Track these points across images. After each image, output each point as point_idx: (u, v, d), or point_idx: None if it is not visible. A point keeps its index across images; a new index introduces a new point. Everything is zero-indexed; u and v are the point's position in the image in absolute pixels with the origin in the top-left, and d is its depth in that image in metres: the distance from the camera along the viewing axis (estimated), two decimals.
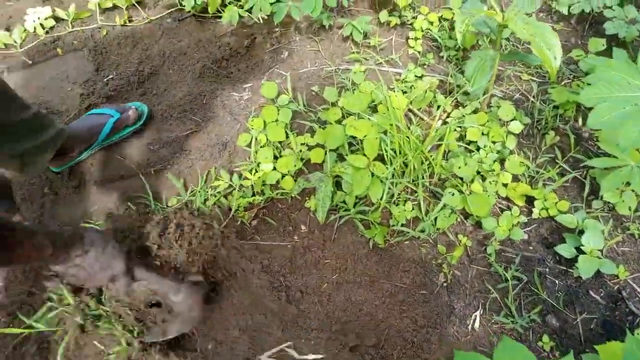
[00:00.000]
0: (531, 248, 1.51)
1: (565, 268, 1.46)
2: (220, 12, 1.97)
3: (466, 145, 1.61)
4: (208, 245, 1.39)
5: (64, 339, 1.34)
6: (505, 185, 1.53)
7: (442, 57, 1.89)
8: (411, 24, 1.96)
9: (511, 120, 1.63)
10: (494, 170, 1.54)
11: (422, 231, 1.50)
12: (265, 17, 1.96)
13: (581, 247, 1.40)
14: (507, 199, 1.56)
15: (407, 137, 1.49)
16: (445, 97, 1.74)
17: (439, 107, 1.71)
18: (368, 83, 1.75)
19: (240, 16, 1.84)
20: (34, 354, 1.39)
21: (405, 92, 1.75)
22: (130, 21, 2.08)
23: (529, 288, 1.44)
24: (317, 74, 1.90)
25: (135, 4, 2.08)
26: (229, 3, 1.88)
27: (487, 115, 1.63)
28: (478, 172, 1.55)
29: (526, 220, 1.52)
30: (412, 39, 1.92)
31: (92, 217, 1.61)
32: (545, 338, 1.35)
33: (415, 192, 1.56)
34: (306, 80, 1.89)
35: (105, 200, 1.64)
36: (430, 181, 1.57)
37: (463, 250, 1.48)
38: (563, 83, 1.79)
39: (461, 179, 1.55)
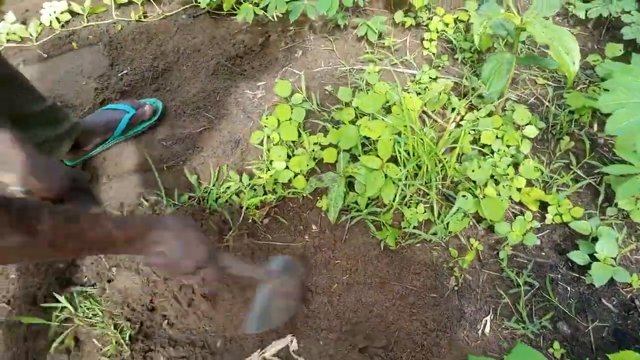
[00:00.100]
0: (543, 254, 1.50)
1: (577, 275, 1.45)
2: (235, 10, 1.97)
3: (480, 149, 1.60)
4: None
5: (63, 334, 1.37)
6: (518, 189, 1.52)
7: (457, 59, 1.88)
8: (426, 25, 1.95)
9: (526, 125, 1.62)
10: (507, 175, 1.53)
11: (434, 234, 1.49)
12: (280, 16, 1.96)
13: (594, 255, 1.39)
14: (520, 203, 1.55)
15: (421, 139, 1.49)
16: (460, 100, 1.73)
17: (453, 109, 1.70)
18: (382, 84, 1.74)
19: (255, 14, 1.84)
20: (42, 347, 1.39)
21: (420, 94, 1.74)
22: (145, 17, 2.08)
23: (540, 294, 1.43)
24: (331, 74, 1.90)
25: (151, 0, 2.08)
26: (244, 0, 1.88)
27: (501, 118, 1.62)
28: (491, 176, 1.54)
29: (539, 226, 1.51)
30: (427, 40, 1.91)
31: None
32: (556, 345, 1.34)
33: (428, 194, 1.55)
34: (320, 79, 1.88)
35: (118, 195, 1.65)
36: (442, 184, 1.56)
37: (475, 254, 1.48)
38: (579, 88, 1.78)
39: (474, 182, 1.54)
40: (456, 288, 1.45)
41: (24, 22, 2.08)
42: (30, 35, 2.02)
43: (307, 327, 1.41)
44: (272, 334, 1.39)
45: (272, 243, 1.53)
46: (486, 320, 1.40)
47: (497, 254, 1.48)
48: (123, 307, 1.37)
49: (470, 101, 1.72)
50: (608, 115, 1.28)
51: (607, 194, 1.54)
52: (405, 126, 1.49)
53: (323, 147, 1.65)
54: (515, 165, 1.57)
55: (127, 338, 1.34)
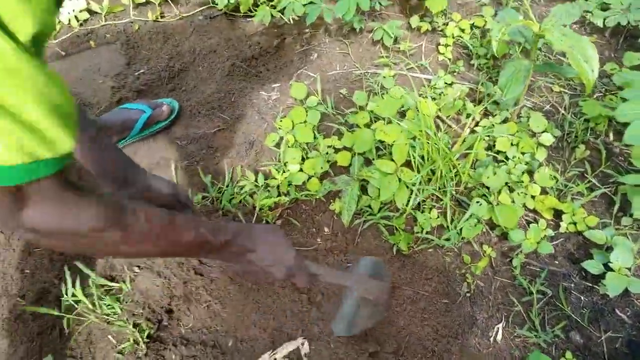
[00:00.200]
0: (557, 262, 1.49)
1: (591, 284, 1.44)
2: (252, 12, 1.98)
3: (495, 155, 1.60)
4: None
5: (77, 330, 1.38)
6: (533, 197, 1.52)
7: (473, 65, 1.87)
8: (442, 31, 1.96)
9: (542, 132, 1.61)
10: (522, 182, 1.52)
11: (447, 240, 1.49)
12: (296, 18, 1.97)
13: (609, 264, 1.38)
14: (534, 211, 1.54)
15: (436, 144, 1.49)
16: (475, 106, 1.72)
17: (468, 115, 1.70)
18: (398, 88, 1.74)
19: (272, 16, 1.85)
20: (55, 341, 1.41)
21: (435, 99, 1.74)
22: (162, 17, 2.10)
23: (553, 303, 1.42)
24: (346, 77, 1.90)
25: (168, 0, 2.10)
26: (262, 3, 1.89)
27: (517, 125, 1.62)
28: (506, 183, 1.53)
29: (553, 234, 1.50)
30: (442, 45, 1.91)
31: None
32: (569, 354, 1.33)
33: (441, 199, 1.55)
34: (334, 82, 1.89)
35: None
36: (456, 189, 1.56)
37: (487, 261, 1.47)
38: (595, 96, 1.77)
39: (488, 188, 1.53)
40: (468, 294, 1.45)
41: None
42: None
43: (318, 330, 1.41)
44: (283, 335, 1.40)
45: None
46: (498, 328, 1.39)
47: (510, 261, 1.48)
48: (144, 308, 1.38)
49: (486, 107, 1.71)
50: (625, 124, 1.27)
51: (622, 204, 1.53)
52: (421, 131, 1.49)
53: (337, 150, 1.65)
54: (530, 173, 1.57)
55: (145, 337, 1.35)
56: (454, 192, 1.55)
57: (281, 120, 1.72)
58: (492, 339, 1.38)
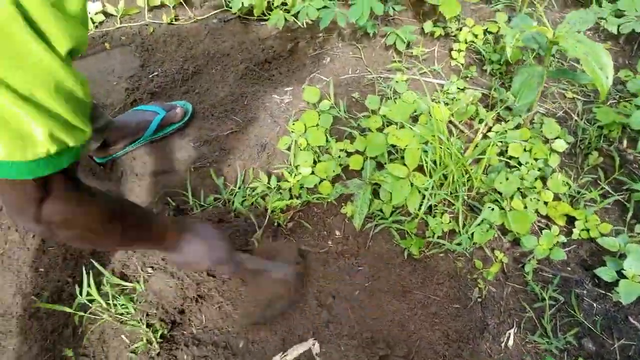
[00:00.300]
0: (569, 269, 1.48)
1: (604, 292, 1.43)
2: (265, 16, 1.99)
3: (507, 160, 1.60)
4: None
5: (91, 329, 1.40)
6: (545, 203, 1.52)
7: (485, 70, 1.87)
8: (455, 36, 1.96)
9: (555, 138, 1.61)
10: (535, 188, 1.52)
11: (459, 244, 1.49)
12: (310, 22, 1.98)
13: (622, 272, 1.37)
14: (546, 217, 1.54)
15: (448, 149, 1.49)
16: (487, 111, 1.72)
17: (481, 120, 1.70)
18: (410, 93, 1.74)
19: (286, 20, 1.86)
20: (69, 339, 1.42)
21: (447, 104, 1.75)
22: (176, 20, 2.12)
23: (565, 309, 1.42)
24: (358, 81, 1.91)
25: (183, 3, 2.12)
26: (275, 7, 1.90)
27: (529, 131, 1.62)
28: (518, 189, 1.53)
29: (565, 241, 1.49)
30: (455, 50, 1.91)
31: None
32: None
33: (453, 204, 1.55)
34: (346, 86, 1.90)
35: (145, 195, 1.67)
36: (468, 194, 1.56)
37: (499, 266, 1.47)
38: (609, 103, 1.76)
39: (500, 194, 1.53)
40: (479, 300, 1.44)
41: None
42: None
43: (329, 333, 1.41)
44: (294, 337, 1.40)
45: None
46: (510, 334, 1.39)
47: (522, 267, 1.47)
48: (157, 308, 1.39)
49: (498, 113, 1.71)
50: (639, 132, 1.27)
51: (635, 211, 1.53)
52: (433, 136, 1.49)
53: (349, 154, 1.66)
54: (543, 179, 1.57)
55: (158, 337, 1.36)
56: (465, 197, 1.55)
57: (294, 124, 1.73)
58: (503, 344, 1.38)
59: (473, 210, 1.56)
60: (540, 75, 1.47)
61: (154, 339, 1.34)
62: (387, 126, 1.68)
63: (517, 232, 1.45)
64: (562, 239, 1.48)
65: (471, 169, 1.54)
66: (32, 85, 0.62)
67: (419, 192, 1.51)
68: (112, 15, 2.14)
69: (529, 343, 1.38)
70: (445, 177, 1.53)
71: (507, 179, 1.49)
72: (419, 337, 1.40)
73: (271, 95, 1.89)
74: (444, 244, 1.50)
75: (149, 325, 1.37)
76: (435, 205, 1.54)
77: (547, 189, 1.53)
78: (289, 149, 1.70)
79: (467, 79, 1.86)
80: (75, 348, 1.40)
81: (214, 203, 1.62)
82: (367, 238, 1.54)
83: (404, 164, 1.53)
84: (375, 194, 1.57)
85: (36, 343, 1.41)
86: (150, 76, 1.95)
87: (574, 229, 1.50)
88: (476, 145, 1.62)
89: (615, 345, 1.35)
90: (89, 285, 1.40)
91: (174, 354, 1.36)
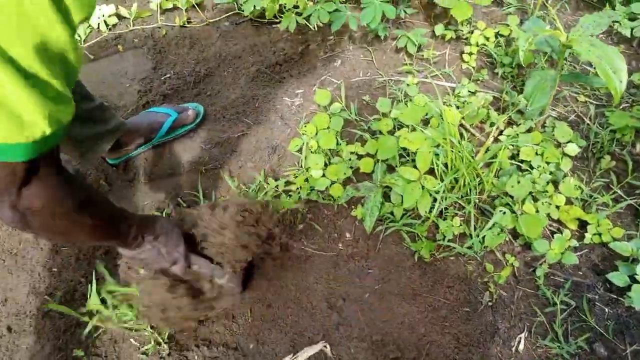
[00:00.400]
0: (581, 273, 1.48)
1: (616, 296, 1.42)
2: (277, 18, 2.00)
3: (518, 164, 1.59)
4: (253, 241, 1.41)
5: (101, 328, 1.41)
6: (557, 207, 1.51)
7: (497, 73, 1.87)
8: (466, 39, 1.95)
9: (567, 142, 1.60)
10: (547, 192, 1.51)
11: (469, 248, 1.49)
12: (321, 25, 1.99)
13: (635, 276, 1.36)
14: (558, 221, 1.53)
15: (460, 152, 1.49)
16: (499, 115, 1.72)
17: (492, 124, 1.70)
18: (421, 96, 1.74)
19: (297, 23, 1.87)
20: (81, 339, 1.43)
21: (459, 107, 1.74)
22: (189, 22, 2.14)
23: (577, 314, 1.41)
24: (369, 84, 1.91)
25: (195, 6, 2.13)
26: (287, 10, 1.91)
27: (541, 135, 1.61)
28: (530, 193, 1.53)
29: (577, 245, 1.49)
30: (466, 53, 1.91)
31: (143, 211, 1.66)
32: None
33: (463, 207, 1.55)
34: (357, 89, 1.90)
35: (157, 195, 1.69)
36: (479, 198, 1.56)
37: (510, 270, 1.46)
38: (622, 107, 1.75)
39: (511, 197, 1.53)
40: (490, 303, 1.44)
41: None
42: (79, 37, 2.09)
43: (339, 335, 1.41)
44: (304, 339, 1.41)
45: (306, 248, 1.54)
46: (520, 338, 1.38)
47: (533, 271, 1.47)
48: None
49: (510, 116, 1.71)
50: None
51: None
52: (445, 139, 1.49)
53: (360, 157, 1.66)
54: (554, 183, 1.56)
55: (165, 337, 1.37)
56: (477, 201, 1.55)
57: (305, 126, 1.73)
58: (514, 349, 1.37)
59: (484, 213, 1.56)
60: (553, 79, 1.47)
61: (160, 340, 1.35)
62: (398, 129, 1.69)
63: (529, 236, 1.44)
64: (574, 243, 1.48)
65: (482, 173, 1.54)
66: (27, 51, 0.60)
67: (430, 195, 1.51)
68: (125, 17, 2.16)
69: (540, 348, 1.37)
70: (457, 180, 1.53)
71: (518, 182, 1.49)
72: (429, 340, 1.40)
73: (282, 97, 1.89)
74: (454, 247, 1.49)
75: (153, 327, 1.38)
76: (446, 209, 1.54)
77: (559, 192, 1.53)
78: (299, 151, 1.71)
79: (479, 82, 1.86)
80: (87, 348, 1.41)
81: None
82: (377, 241, 1.54)
83: (415, 167, 1.53)
84: (386, 196, 1.57)
85: (49, 342, 1.42)
86: (163, 78, 1.97)
87: (585, 233, 1.49)
88: (487, 149, 1.62)
89: (628, 351, 1.34)
90: (90, 295, 1.40)
91: (185, 355, 1.37)
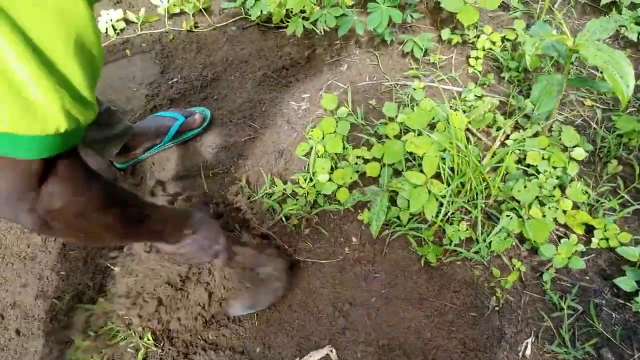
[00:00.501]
0: (587, 278, 1.47)
1: (623, 302, 1.42)
2: (284, 23, 2.01)
3: (525, 168, 1.59)
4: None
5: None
6: (564, 212, 1.51)
7: (503, 77, 1.87)
8: (473, 43, 1.96)
9: (574, 147, 1.60)
10: (553, 196, 1.51)
11: (476, 252, 1.49)
12: (327, 29, 1.99)
13: None
14: (565, 226, 1.53)
15: (466, 156, 1.49)
16: (505, 119, 1.72)
17: (498, 128, 1.70)
18: (428, 100, 1.75)
19: (304, 28, 1.88)
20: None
21: (465, 112, 1.74)
22: (196, 27, 2.15)
23: (584, 319, 1.41)
24: (375, 88, 1.92)
25: (202, 11, 2.15)
26: (294, 15, 1.91)
27: (548, 139, 1.61)
28: (536, 197, 1.52)
29: (584, 250, 1.48)
30: (473, 57, 1.91)
31: None
32: None
33: (470, 212, 1.55)
34: (364, 93, 1.90)
35: (164, 199, 1.69)
36: (485, 202, 1.56)
37: (517, 275, 1.46)
38: (628, 111, 1.75)
39: (518, 202, 1.53)
40: (497, 308, 1.44)
41: None
42: None
43: (345, 339, 1.42)
44: (310, 343, 1.41)
45: (312, 252, 1.55)
46: (527, 343, 1.38)
47: (540, 275, 1.47)
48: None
49: (516, 120, 1.71)
50: None
51: None
52: (451, 143, 1.49)
53: (366, 161, 1.66)
54: (561, 187, 1.56)
55: (170, 341, 1.38)
56: (483, 205, 1.55)
57: (311, 130, 1.74)
58: (520, 354, 1.37)
59: (490, 218, 1.56)
60: (560, 83, 1.47)
61: (154, 348, 1.36)
62: (405, 133, 1.69)
63: (536, 241, 1.44)
64: (581, 248, 1.47)
65: (489, 177, 1.54)
66: (51, 34, 0.55)
67: (436, 199, 1.51)
68: (132, 22, 2.17)
69: (547, 353, 1.37)
70: (463, 184, 1.53)
71: (525, 187, 1.49)
72: (436, 345, 1.40)
73: (288, 101, 1.90)
74: (461, 252, 1.49)
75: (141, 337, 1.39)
76: (453, 213, 1.54)
77: (566, 197, 1.52)
78: (306, 155, 1.71)
79: (485, 86, 1.86)
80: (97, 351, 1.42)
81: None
82: (383, 245, 1.55)
83: (422, 171, 1.53)
84: (392, 201, 1.57)
85: (57, 346, 1.43)
86: (170, 83, 1.98)
87: (592, 238, 1.49)
88: (494, 153, 1.62)
89: (635, 356, 1.34)
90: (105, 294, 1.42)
91: (191, 358, 1.38)
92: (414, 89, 1.82)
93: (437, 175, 1.55)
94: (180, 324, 1.32)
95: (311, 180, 1.64)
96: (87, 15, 0.59)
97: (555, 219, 1.50)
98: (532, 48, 1.32)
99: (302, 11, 1.86)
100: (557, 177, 1.55)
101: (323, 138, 1.72)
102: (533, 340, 1.39)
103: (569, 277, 1.47)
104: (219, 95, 1.95)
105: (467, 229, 1.51)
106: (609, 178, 1.61)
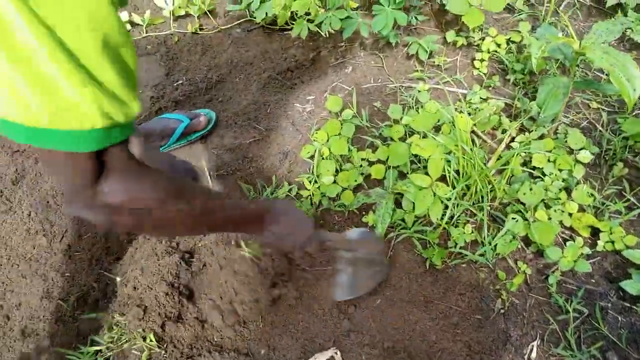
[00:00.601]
0: (593, 281, 1.47)
1: (629, 305, 1.41)
2: (289, 25, 2.02)
3: (530, 171, 1.59)
4: None
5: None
6: (570, 214, 1.50)
7: (509, 80, 1.87)
8: (478, 45, 1.96)
9: (580, 149, 1.60)
10: (559, 199, 1.51)
11: (482, 255, 1.49)
12: (332, 32, 1.99)
13: None
14: (570, 228, 1.53)
15: (472, 159, 1.49)
16: (511, 121, 1.72)
17: (504, 130, 1.69)
18: (433, 102, 1.75)
19: (309, 30, 1.88)
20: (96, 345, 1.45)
21: (470, 114, 1.74)
22: (201, 29, 2.15)
23: (589, 322, 1.40)
24: (380, 90, 1.92)
25: (207, 13, 2.15)
26: (299, 17, 1.92)
27: (553, 142, 1.61)
28: (542, 200, 1.52)
29: (590, 252, 1.48)
30: (478, 60, 1.91)
31: None
32: None
33: (475, 214, 1.54)
34: (368, 95, 1.91)
35: None
36: (491, 205, 1.56)
37: (523, 277, 1.46)
38: (634, 114, 1.74)
39: (523, 204, 1.52)
40: (502, 311, 1.43)
41: None
42: None
43: (350, 342, 1.41)
44: (315, 345, 1.41)
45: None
46: (533, 346, 1.37)
47: (546, 278, 1.46)
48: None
49: (522, 123, 1.70)
50: None
51: None
52: (457, 146, 1.49)
53: (371, 163, 1.66)
54: (567, 190, 1.55)
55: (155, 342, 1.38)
56: (488, 208, 1.55)
57: (316, 132, 1.74)
58: (526, 356, 1.37)
59: (496, 220, 1.56)
60: (566, 86, 1.46)
61: (158, 349, 1.36)
62: (410, 136, 1.69)
63: (541, 244, 1.44)
64: (587, 250, 1.47)
65: (494, 180, 1.54)
66: (80, 34, 0.56)
67: (442, 202, 1.51)
68: (138, 24, 2.18)
69: (553, 356, 1.36)
70: (468, 187, 1.53)
71: (530, 189, 1.48)
72: (441, 347, 1.39)
73: (293, 103, 1.90)
74: (466, 255, 1.49)
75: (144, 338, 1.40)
76: (458, 216, 1.54)
77: (572, 200, 1.52)
78: (311, 157, 1.71)
79: (490, 88, 1.86)
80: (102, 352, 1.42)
81: None
82: (389, 247, 1.54)
83: (427, 174, 1.53)
84: (397, 203, 1.57)
85: (62, 347, 1.43)
86: (175, 85, 1.99)
87: (598, 241, 1.48)
88: (499, 156, 1.61)
89: None
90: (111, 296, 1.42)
91: None
92: (419, 91, 1.82)
93: (442, 178, 1.55)
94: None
95: (316, 182, 1.64)
96: (112, 16, 0.60)
97: (561, 222, 1.50)
98: (538, 51, 1.32)
99: (307, 13, 1.86)
100: (563, 180, 1.55)
101: (328, 140, 1.72)
102: (538, 343, 1.38)
103: (574, 280, 1.47)
104: (224, 97, 1.95)
105: (472, 232, 1.51)
106: (614, 181, 1.61)
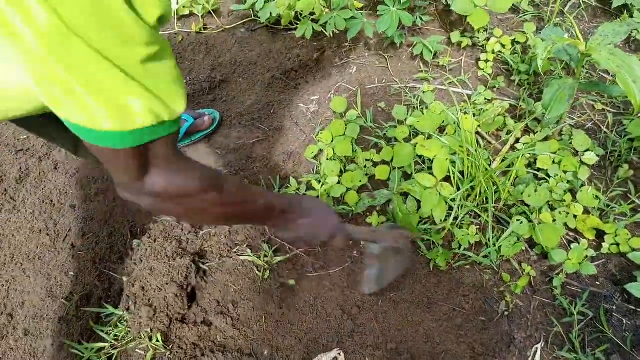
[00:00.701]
0: (598, 284, 1.46)
1: (634, 307, 1.41)
2: (293, 25, 2.01)
3: (535, 172, 1.58)
4: None
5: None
6: (575, 216, 1.50)
7: (513, 81, 1.86)
8: (482, 46, 1.95)
9: (585, 151, 1.59)
10: (564, 201, 1.50)
11: (486, 257, 1.48)
12: (336, 32, 1.99)
13: None
14: (575, 231, 1.52)
15: (476, 160, 1.48)
16: (516, 122, 1.71)
17: (509, 131, 1.69)
18: (438, 103, 1.74)
19: (314, 30, 1.88)
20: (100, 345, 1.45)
21: (475, 115, 1.74)
22: (205, 29, 2.15)
23: (594, 325, 1.40)
24: (384, 91, 1.91)
25: (211, 13, 2.15)
26: (303, 17, 1.92)
27: (558, 143, 1.60)
28: (546, 202, 1.51)
29: (594, 255, 1.47)
30: (482, 60, 1.90)
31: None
32: None
33: (479, 216, 1.54)
34: (373, 96, 1.90)
35: None
36: (495, 206, 1.55)
37: (527, 280, 1.45)
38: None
39: (528, 206, 1.52)
40: (506, 313, 1.43)
41: None
42: None
43: (353, 343, 1.41)
44: (318, 346, 1.41)
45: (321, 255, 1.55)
46: (537, 348, 1.37)
47: (550, 280, 1.46)
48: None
49: (527, 124, 1.70)
50: None
51: None
52: (461, 147, 1.49)
53: (375, 164, 1.66)
54: (572, 192, 1.55)
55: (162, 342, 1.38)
56: (493, 209, 1.54)
57: (321, 133, 1.74)
58: (530, 359, 1.36)
59: (500, 222, 1.55)
60: (572, 87, 1.46)
61: (163, 349, 1.36)
62: (414, 136, 1.68)
63: (546, 246, 1.43)
64: (592, 253, 1.46)
65: (499, 181, 1.53)
66: (125, 58, 0.63)
67: (446, 203, 1.51)
68: None
69: (557, 358, 1.36)
70: (473, 188, 1.52)
71: (535, 191, 1.48)
72: (444, 349, 1.39)
73: (297, 104, 1.90)
74: (470, 256, 1.49)
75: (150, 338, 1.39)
76: (462, 217, 1.54)
77: (577, 202, 1.51)
78: (315, 158, 1.71)
79: (495, 89, 1.85)
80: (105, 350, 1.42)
81: None
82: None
83: (431, 174, 1.52)
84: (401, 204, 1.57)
85: (65, 345, 1.43)
86: None
87: (603, 243, 1.47)
88: (504, 157, 1.61)
89: None
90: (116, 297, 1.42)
91: None
92: (424, 92, 1.82)
93: (447, 179, 1.55)
94: None
95: (321, 182, 1.64)
96: (145, 31, 0.64)
97: (565, 224, 1.49)
98: (544, 52, 1.31)
99: (312, 13, 1.86)
100: (568, 182, 1.54)
101: (332, 141, 1.72)
102: (543, 345, 1.38)
103: (579, 283, 1.46)
104: (228, 97, 1.95)
105: (476, 233, 1.50)
106: (620, 183, 1.60)
